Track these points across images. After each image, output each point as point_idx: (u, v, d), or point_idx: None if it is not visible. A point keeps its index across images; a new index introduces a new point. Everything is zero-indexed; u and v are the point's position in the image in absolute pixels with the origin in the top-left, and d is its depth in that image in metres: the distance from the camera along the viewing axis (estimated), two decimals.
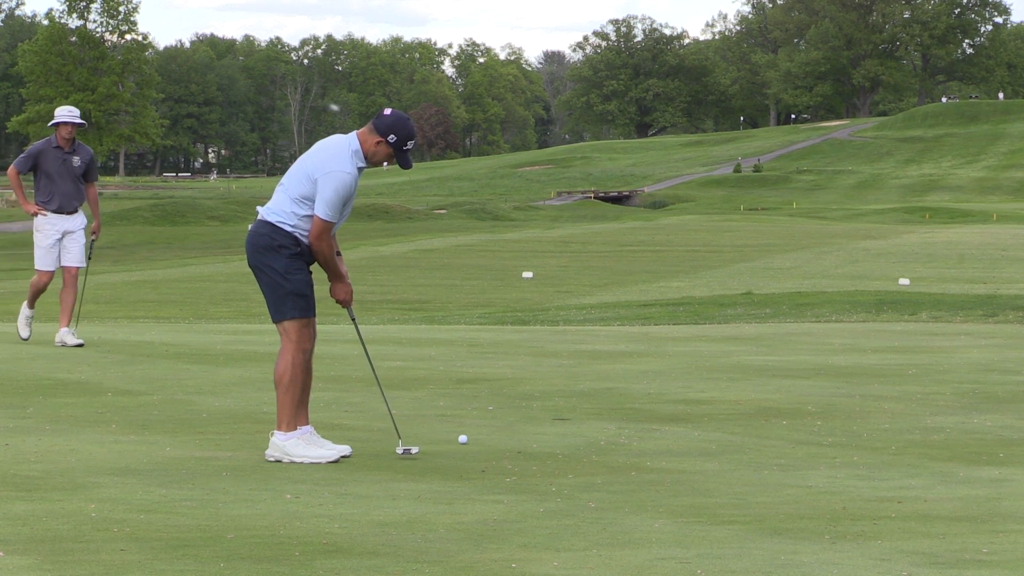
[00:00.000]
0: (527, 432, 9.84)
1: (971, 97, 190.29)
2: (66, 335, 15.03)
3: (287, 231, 8.69)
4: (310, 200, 8.65)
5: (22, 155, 15.37)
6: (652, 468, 8.59)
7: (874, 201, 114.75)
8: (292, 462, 8.61)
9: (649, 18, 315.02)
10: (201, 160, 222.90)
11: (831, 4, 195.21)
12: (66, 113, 15.21)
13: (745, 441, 9.61)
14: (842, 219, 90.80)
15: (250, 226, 8.89)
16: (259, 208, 8.90)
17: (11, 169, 15.47)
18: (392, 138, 8.68)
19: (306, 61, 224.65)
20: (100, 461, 8.50)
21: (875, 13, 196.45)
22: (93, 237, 15.69)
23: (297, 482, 8.00)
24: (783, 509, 7.41)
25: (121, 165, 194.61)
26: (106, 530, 6.66)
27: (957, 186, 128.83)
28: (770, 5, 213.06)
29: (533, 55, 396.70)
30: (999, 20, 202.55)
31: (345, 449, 8.80)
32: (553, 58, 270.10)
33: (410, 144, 8.78)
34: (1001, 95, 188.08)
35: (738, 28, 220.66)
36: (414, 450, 8.85)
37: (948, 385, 12.55)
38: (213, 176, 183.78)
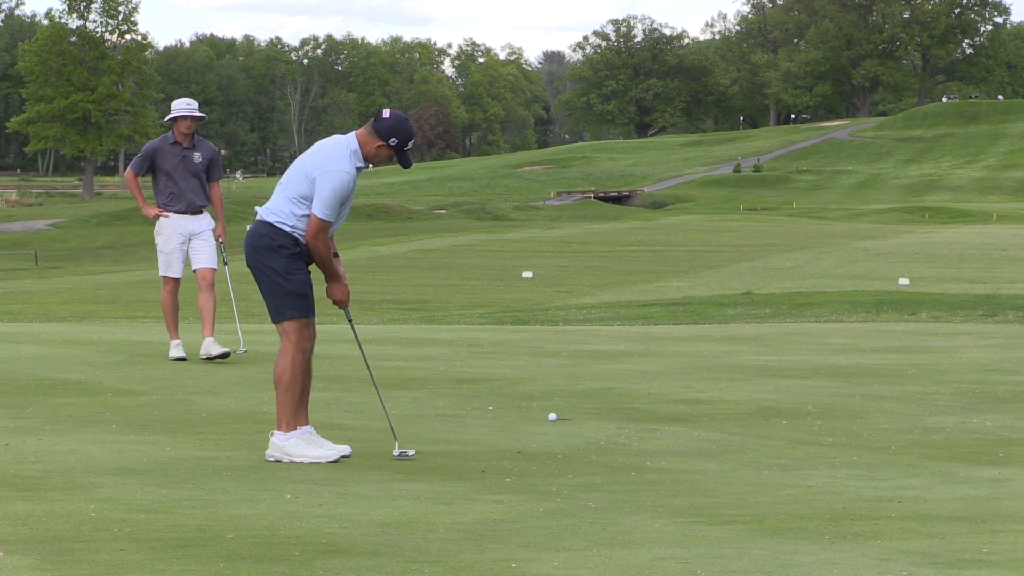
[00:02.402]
0: (527, 432, 9.85)
1: (971, 97, 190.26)
2: (211, 345, 13.69)
3: (286, 231, 8.69)
4: (309, 200, 8.66)
5: (138, 155, 14.09)
6: (652, 468, 8.59)
7: (874, 201, 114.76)
8: (292, 462, 8.60)
9: (649, 18, 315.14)
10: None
11: (831, 4, 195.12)
12: (184, 106, 13.94)
13: (745, 441, 9.61)
14: (842, 219, 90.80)
15: (248, 226, 8.89)
16: (257, 208, 8.90)
17: (128, 172, 14.12)
18: (394, 141, 8.71)
19: (306, 61, 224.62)
20: (100, 461, 8.49)
21: (875, 13, 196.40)
22: (220, 241, 14.20)
23: (297, 482, 8.00)
24: (783, 509, 7.41)
25: (121, 165, 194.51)
26: (106, 530, 6.66)
27: (957, 186, 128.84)
28: (770, 5, 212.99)
29: (533, 55, 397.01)
30: (999, 20, 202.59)
31: (345, 449, 8.80)
32: (553, 58, 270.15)
33: (411, 144, 8.80)
34: (1000, 97, 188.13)
35: (738, 28, 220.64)
36: (411, 452, 8.84)
37: (948, 385, 12.55)
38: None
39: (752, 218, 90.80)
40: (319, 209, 8.62)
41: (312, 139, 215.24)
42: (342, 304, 8.93)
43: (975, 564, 6.21)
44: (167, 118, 13.97)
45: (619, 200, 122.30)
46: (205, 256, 13.99)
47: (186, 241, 14.00)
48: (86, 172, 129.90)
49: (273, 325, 8.85)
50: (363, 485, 7.94)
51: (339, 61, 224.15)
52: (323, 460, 8.64)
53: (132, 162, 14.04)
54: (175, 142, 13.91)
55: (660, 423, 10.34)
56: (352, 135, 8.82)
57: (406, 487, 7.88)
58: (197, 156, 13.94)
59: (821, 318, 21.82)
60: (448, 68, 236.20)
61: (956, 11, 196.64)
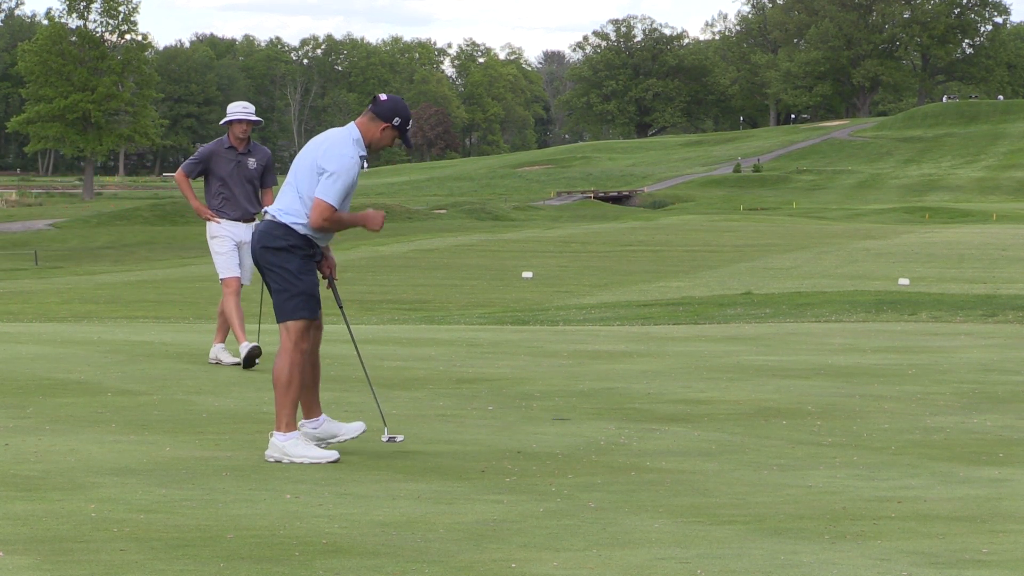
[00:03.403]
0: (527, 432, 9.85)
1: (971, 97, 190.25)
2: (221, 352, 13.52)
3: (301, 232, 8.71)
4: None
5: (191, 157, 13.70)
6: (652, 468, 8.59)
7: (874, 201, 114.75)
8: (292, 462, 8.60)
9: (649, 18, 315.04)
10: None
11: (831, 4, 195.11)
12: (240, 109, 13.53)
13: (745, 441, 9.61)
14: (842, 219, 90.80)
15: (257, 225, 8.89)
16: (267, 209, 8.89)
17: (179, 172, 13.70)
18: (397, 121, 8.78)
19: (306, 61, 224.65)
20: (100, 461, 8.49)
21: (875, 13, 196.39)
22: None
23: (297, 482, 8.00)
24: (783, 509, 7.41)
25: (121, 165, 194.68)
26: (106, 530, 6.66)
27: (957, 186, 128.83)
28: (770, 5, 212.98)
29: (533, 55, 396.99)
30: (999, 20, 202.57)
31: (333, 454, 8.74)
32: (553, 58, 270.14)
33: (410, 124, 8.88)
34: (1000, 97, 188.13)
35: (738, 28, 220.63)
36: (399, 438, 8.95)
37: (948, 385, 12.55)
38: None
39: (752, 218, 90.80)
40: (325, 193, 8.61)
41: (309, 139, 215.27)
42: (379, 227, 8.80)
43: (975, 564, 6.21)
44: (222, 121, 13.61)
45: (619, 200, 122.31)
46: (244, 270, 13.67)
47: (238, 246, 13.66)
48: (86, 172, 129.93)
49: (276, 325, 8.85)
50: (363, 485, 7.94)
51: (339, 61, 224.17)
52: (323, 460, 8.63)
53: (185, 163, 13.65)
54: (230, 147, 13.53)
55: (660, 423, 10.34)
56: (351, 125, 8.86)
57: (406, 487, 7.88)
58: (252, 162, 13.56)
59: (821, 318, 21.82)
60: (448, 68, 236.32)
61: (956, 11, 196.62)
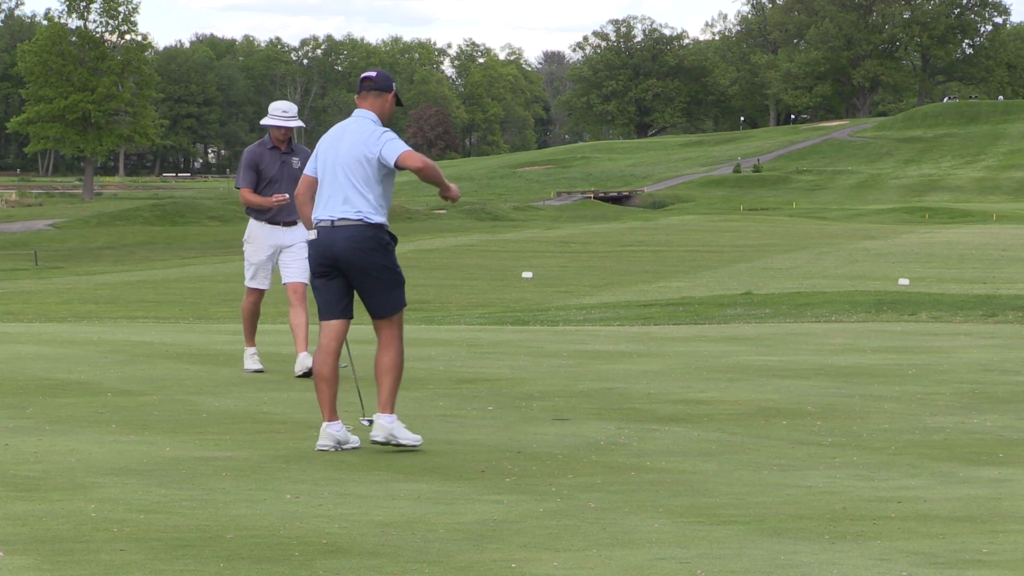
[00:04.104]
0: (527, 432, 9.85)
1: (971, 97, 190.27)
2: (306, 359, 12.51)
3: (386, 227, 9.09)
4: (381, 185, 9.06)
5: (242, 168, 12.97)
6: (652, 468, 8.59)
7: (874, 201, 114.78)
8: (398, 444, 9.02)
9: (649, 18, 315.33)
10: (201, 160, 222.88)
11: (831, 4, 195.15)
12: (280, 113, 12.87)
13: (745, 441, 9.61)
14: (842, 219, 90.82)
15: (341, 234, 8.98)
16: (330, 215, 9.02)
17: (243, 192, 12.94)
18: (394, 86, 9.28)
19: (306, 61, 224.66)
20: (100, 461, 8.49)
21: (875, 13, 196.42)
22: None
23: (297, 482, 8.00)
24: (783, 509, 7.41)
25: (121, 165, 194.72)
26: (106, 530, 6.66)
27: (957, 186, 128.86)
28: (770, 5, 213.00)
29: (533, 55, 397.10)
30: (999, 20, 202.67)
31: (419, 438, 9.22)
32: (553, 58, 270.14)
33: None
34: (1000, 97, 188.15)
35: (738, 28, 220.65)
36: (365, 422, 9.26)
37: (948, 385, 12.55)
38: None
39: (752, 218, 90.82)
40: (402, 144, 8.99)
41: (312, 139, 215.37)
42: (456, 199, 9.30)
43: (975, 564, 6.21)
44: (263, 122, 12.97)
45: (619, 200, 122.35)
46: (296, 270, 12.92)
47: (275, 253, 13.07)
48: (86, 172, 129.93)
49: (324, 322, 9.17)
50: (363, 485, 7.94)
51: (339, 61, 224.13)
52: (417, 443, 9.08)
53: (240, 179, 12.95)
54: (273, 147, 12.95)
55: (660, 423, 10.34)
56: (359, 113, 9.19)
57: (406, 487, 7.88)
58: (296, 161, 12.96)
59: (821, 318, 21.81)
60: (448, 68, 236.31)
61: (956, 11, 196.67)
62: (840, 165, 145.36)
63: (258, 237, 13.08)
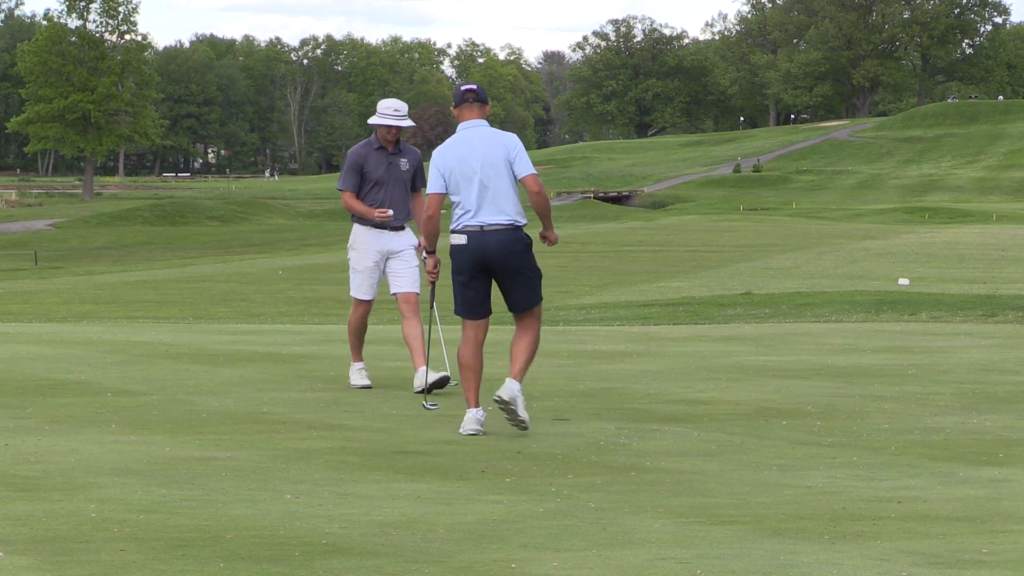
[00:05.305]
0: (527, 432, 9.85)
1: (971, 97, 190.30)
2: (426, 374, 11.78)
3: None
4: (516, 187, 9.83)
5: (345, 170, 12.13)
6: (652, 468, 8.59)
7: (874, 201, 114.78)
8: (513, 413, 9.66)
9: (649, 18, 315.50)
10: (201, 160, 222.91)
11: (831, 4, 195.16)
12: (391, 112, 11.98)
13: (745, 441, 9.61)
14: (842, 219, 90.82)
15: (489, 239, 9.72)
16: (480, 222, 9.73)
17: (345, 195, 12.10)
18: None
19: (306, 61, 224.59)
20: (100, 461, 8.49)
21: (875, 13, 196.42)
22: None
23: (297, 482, 8.00)
24: (783, 509, 7.41)
25: (121, 165, 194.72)
26: (106, 530, 6.65)
27: (957, 186, 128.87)
28: (770, 5, 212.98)
29: (533, 55, 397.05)
30: (999, 20, 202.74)
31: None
32: (553, 58, 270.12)
33: None
34: (1000, 97, 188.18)
35: (738, 28, 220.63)
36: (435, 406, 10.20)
37: (948, 385, 12.55)
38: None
39: (752, 218, 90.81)
40: (533, 167, 9.95)
41: (312, 139, 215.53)
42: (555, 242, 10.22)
43: (975, 564, 6.21)
44: (371, 120, 12.09)
45: (619, 200, 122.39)
46: (407, 279, 12.18)
47: (383, 260, 12.22)
48: (86, 172, 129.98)
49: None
50: (363, 485, 7.94)
51: (339, 61, 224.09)
52: (526, 426, 9.77)
53: (343, 181, 12.11)
54: (380, 147, 12.07)
55: (660, 423, 10.34)
56: (476, 123, 9.85)
57: (406, 487, 7.88)
58: (404, 163, 12.11)
59: (821, 318, 21.81)
60: (448, 68, 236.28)
61: (956, 11, 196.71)
62: (840, 165, 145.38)
63: (364, 242, 12.19)
